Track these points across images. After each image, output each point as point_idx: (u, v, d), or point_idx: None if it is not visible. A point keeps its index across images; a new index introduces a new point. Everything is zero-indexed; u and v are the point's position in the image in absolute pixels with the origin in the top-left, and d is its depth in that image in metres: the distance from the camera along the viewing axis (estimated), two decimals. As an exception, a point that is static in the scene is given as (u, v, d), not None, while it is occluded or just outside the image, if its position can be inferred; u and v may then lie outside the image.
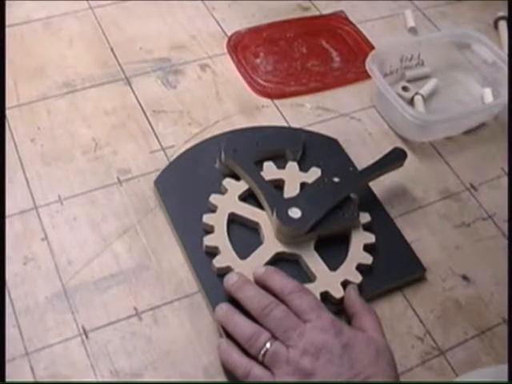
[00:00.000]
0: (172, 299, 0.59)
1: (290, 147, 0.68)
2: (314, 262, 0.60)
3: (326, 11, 0.88)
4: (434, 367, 0.58)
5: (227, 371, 0.55)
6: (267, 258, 0.60)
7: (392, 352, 0.54)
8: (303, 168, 0.66)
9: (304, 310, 0.54)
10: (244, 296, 0.56)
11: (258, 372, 0.53)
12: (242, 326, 0.55)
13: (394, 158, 0.66)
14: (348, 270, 0.60)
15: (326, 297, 0.58)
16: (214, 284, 0.59)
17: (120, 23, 0.82)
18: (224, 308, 0.56)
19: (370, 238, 0.62)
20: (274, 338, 0.53)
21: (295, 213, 0.60)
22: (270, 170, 0.65)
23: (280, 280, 0.57)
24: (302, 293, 0.56)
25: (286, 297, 0.56)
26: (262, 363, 0.53)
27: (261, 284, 0.57)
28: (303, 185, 0.64)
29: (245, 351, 0.54)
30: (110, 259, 0.61)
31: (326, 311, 0.55)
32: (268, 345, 0.53)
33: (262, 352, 0.53)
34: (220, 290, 0.58)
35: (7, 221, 0.62)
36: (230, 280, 0.57)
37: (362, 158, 0.69)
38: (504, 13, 0.87)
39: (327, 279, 0.59)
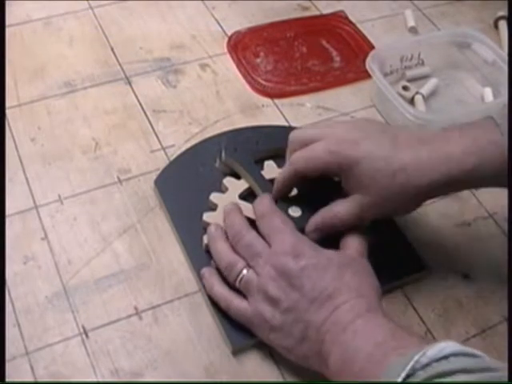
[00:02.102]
0: (172, 298, 0.59)
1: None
2: (314, 260, 0.60)
3: (326, 11, 0.88)
4: (435, 366, 0.57)
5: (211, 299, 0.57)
6: (268, 256, 0.60)
7: (364, 263, 0.55)
8: (303, 167, 0.66)
9: (268, 233, 0.56)
10: (227, 223, 0.59)
11: (237, 304, 0.55)
12: (222, 253, 0.57)
13: None
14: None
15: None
16: (214, 283, 0.59)
17: (120, 23, 0.82)
18: (211, 230, 0.59)
19: (371, 237, 0.62)
20: (249, 265, 0.55)
21: (295, 211, 0.60)
22: (270, 169, 0.65)
23: (256, 204, 0.59)
24: (272, 215, 0.57)
25: (258, 220, 0.58)
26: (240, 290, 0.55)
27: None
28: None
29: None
30: (110, 258, 0.61)
31: (291, 233, 0.55)
32: (245, 271, 0.55)
33: (239, 279, 0.55)
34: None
35: (7, 220, 0.62)
36: (226, 207, 0.60)
37: (363, 157, 0.69)
38: (504, 12, 0.87)
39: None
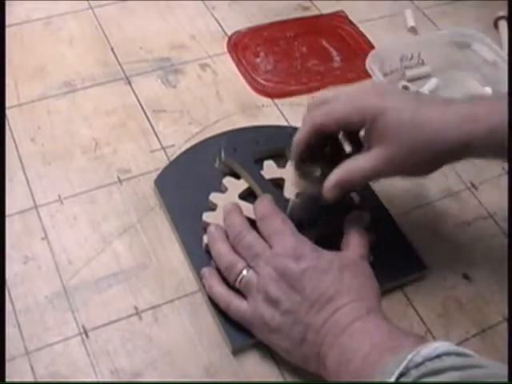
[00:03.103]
0: (172, 298, 0.59)
1: (290, 146, 0.67)
2: (314, 260, 0.60)
3: (326, 11, 0.88)
4: (435, 366, 0.57)
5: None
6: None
7: (364, 265, 0.55)
8: (303, 167, 0.66)
9: (268, 234, 0.56)
10: (227, 223, 0.59)
11: (236, 305, 0.55)
12: (222, 254, 0.57)
13: None
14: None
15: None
16: (214, 283, 0.59)
17: (120, 23, 0.82)
18: (211, 231, 0.59)
19: (371, 237, 0.62)
20: (249, 266, 0.55)
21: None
22: (270, 169, 0.65)
23: (256, 205, 0.59)
24: (272, 216, 0.57)
25: (258, 222, 0.58)
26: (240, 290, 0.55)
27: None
28: (303, 184, 0.64)
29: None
30: (110, 258, 0.61)
31: (292, 234, 0.55)
32: (245, 272, 0.55)
33: (239, 279, 0.55)
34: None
35: (7, 220, 0.62)
36: (226, 208, 0.60)
37: (363, 157, 0.69)
38: (504, 12, 0.87)
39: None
